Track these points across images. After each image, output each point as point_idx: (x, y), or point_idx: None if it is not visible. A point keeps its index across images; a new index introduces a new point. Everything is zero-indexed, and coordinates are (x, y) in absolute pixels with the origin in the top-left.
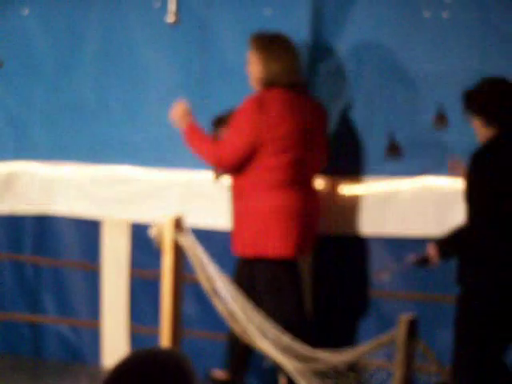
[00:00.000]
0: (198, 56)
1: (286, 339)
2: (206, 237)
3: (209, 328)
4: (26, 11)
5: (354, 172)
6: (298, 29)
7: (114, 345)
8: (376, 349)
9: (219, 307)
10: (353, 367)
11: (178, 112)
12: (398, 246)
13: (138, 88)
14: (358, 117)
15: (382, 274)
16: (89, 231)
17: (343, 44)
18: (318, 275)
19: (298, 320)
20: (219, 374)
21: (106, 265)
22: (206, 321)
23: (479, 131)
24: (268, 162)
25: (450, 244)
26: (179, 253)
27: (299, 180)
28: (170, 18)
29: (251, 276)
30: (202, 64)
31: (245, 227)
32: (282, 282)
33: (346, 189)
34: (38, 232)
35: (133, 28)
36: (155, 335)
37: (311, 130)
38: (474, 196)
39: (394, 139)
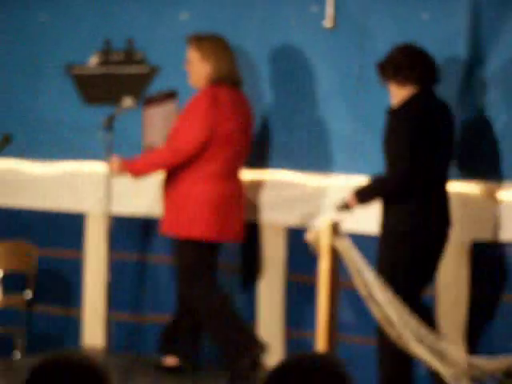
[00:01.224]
0: (355, 60)
1: (442, 344)
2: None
3: (363, 333)
4: (185, 15)
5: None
6: (454, 34)
7: (271, 348)
8: None
9: (375, 312)
10: (509, 374)
11: (114, 167)
12: None
13: (294, 92)
14: None
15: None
16: None
17: (501, 51)
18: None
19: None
20: (169, 360)
21: (265, 269)
22: (359, 326)
23: (396, 94)
24: (208, 154)
25: (366, 191)
26: (336, 257)
27: (232, 172)
28: (328, 23)
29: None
30: (360, 68)
31: (178, 211)
32: (202, 264)
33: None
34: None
35: (291, 32)
36: (310, 339)
37: (246, 127)
38: (391, 148)
39: None
